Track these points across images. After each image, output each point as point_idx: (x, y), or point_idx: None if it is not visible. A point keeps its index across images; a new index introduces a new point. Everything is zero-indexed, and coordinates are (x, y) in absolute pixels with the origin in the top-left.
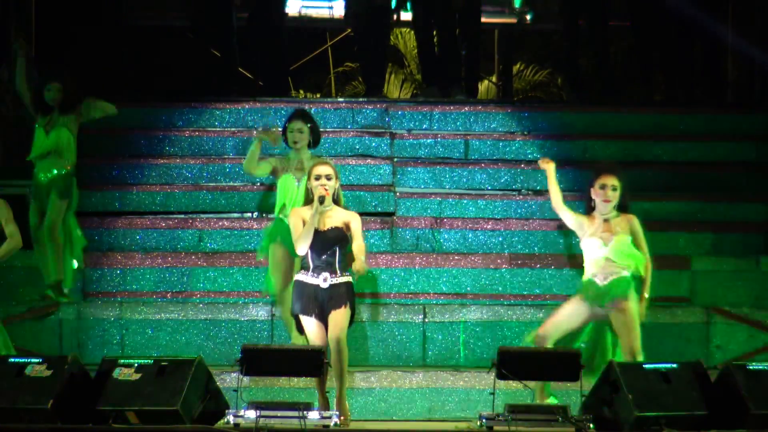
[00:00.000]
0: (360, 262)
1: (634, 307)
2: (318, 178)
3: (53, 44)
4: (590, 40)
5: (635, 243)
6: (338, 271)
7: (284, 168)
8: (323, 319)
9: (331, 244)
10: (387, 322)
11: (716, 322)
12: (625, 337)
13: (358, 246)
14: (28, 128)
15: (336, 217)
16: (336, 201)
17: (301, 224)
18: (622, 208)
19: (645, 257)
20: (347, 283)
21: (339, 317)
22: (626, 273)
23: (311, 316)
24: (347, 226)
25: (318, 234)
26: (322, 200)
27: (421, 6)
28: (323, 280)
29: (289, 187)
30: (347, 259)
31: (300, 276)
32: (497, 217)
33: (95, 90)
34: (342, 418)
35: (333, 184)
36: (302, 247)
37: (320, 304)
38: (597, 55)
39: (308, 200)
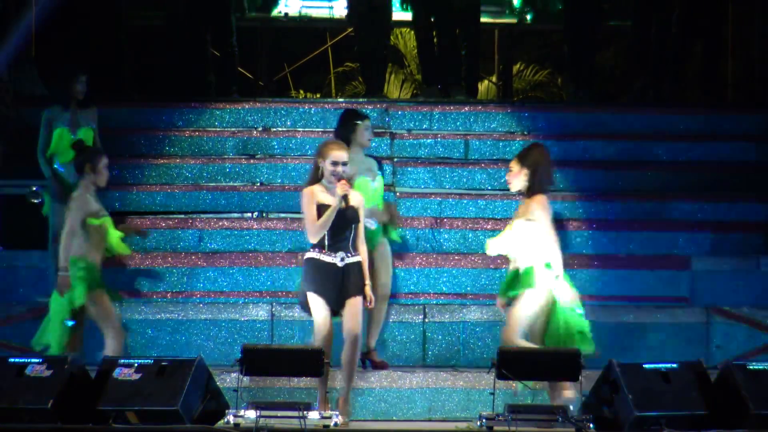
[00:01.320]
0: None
1: (520, 303)
2: (335, 164)
3: (53, 44)
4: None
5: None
6: (352, 250)
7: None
8: (336, 305)
9: (349, 223)
10: (387, 322)
11: (716, 322)
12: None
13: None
14: (29, 127)
15: (351, 197)
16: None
17: (314, 209)
18: (530, 191)
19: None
20: (360, 262)
21: (356, 307)
22: (518, 264)
23: (323, 299)
24: (359, 207)
25: (338, 213)
26: (345, 198)
27: (422, 6)
28: (340, 259)
29: (365, 189)
30: (358, 237)
31: (313, 254)
32: (497, 217)
33: (95, 90)
34: (341, 418)
35: (348, 170)
36: (317, 236)
37: (335, 284)
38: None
39: (316, 179)
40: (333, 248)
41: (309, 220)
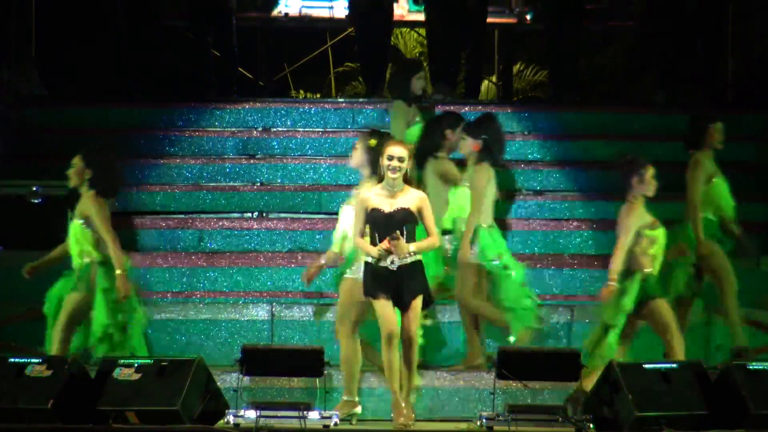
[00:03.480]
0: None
1: None
2: (391, 158)
3: (53, 44)
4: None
5: None
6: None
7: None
8: (398, 303)
9: (398, 225)
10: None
11: (716, 322)
12: None
13: (430, 231)
14: (29, 127)
15: (405, 197)
16: (408, 181)
17: (363, 216)
18: None
19: None
20: (417, 263)
21: (414, 309)
22: None
23: (383, 299)
24: (416, 207)
25: (386, 215)
26: (386, 255)
27: (436, 6)
28: (391, 262)
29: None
30: (413, 238)
31: (369, 258)
32: (497, 217)
33: (96, 90)
34: (401, 419)
35: (406, 166)
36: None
37: (394, 287)
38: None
39: (380, 177)
40: (384, 252)
41: (354, 232)
